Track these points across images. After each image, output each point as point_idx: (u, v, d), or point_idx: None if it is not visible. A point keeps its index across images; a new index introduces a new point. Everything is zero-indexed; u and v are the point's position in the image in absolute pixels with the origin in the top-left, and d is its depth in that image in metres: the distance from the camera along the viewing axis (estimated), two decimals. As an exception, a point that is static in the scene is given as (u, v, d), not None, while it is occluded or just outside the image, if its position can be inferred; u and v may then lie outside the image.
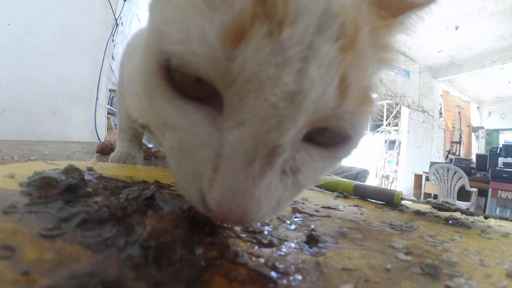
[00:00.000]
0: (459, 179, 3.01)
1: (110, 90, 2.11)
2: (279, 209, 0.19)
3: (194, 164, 0.18)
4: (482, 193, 3.36)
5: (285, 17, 0.15)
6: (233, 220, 0.17)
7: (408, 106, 4.93)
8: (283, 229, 0.28)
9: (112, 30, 1.91)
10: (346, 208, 0.43)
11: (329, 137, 0.19)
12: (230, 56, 0.15)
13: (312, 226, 0.28)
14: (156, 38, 0.17)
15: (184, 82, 0.17)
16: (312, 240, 0.25)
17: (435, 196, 3.58)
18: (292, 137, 0.17)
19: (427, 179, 3.76)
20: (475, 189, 3.10)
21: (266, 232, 0.26)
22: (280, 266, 0.19)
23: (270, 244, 0.23)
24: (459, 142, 5.47)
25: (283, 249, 0.22)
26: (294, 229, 0.28)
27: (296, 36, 0.15)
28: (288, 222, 0.31)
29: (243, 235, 0.24)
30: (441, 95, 5.49)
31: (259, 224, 0.28)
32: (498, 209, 3.24)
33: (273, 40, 0.15)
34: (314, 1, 0.15)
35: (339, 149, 0.20)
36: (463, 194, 3.11)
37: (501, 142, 4.45)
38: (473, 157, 4.59)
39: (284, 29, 0.15)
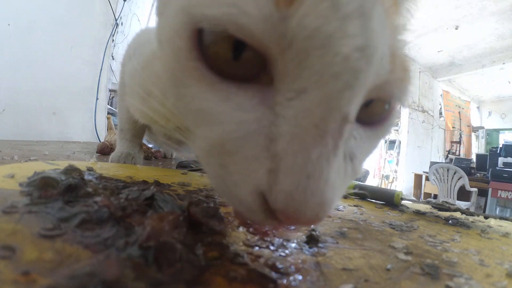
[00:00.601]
0: (459, 179, 3.01)
1: (110, 90, 2.10)
2: (339, 199, 0.16)
3: (245, 159, 0.15)
4: (482, 193, 3.36)
5: None
6: (308, 216, 0.14)
7: (408, 106, 4.93)
8: (283, 229, 0.28)
9: (112, 30, 1.91)
10: (346, 208, 0.43)
11: (375, 112, 0.18)
12: (285, 14, 0.13)
13: (312, 226, 0.28)
14: (185, 13, 0.15)
15: (220, 61, 0.15)
16: (312, 240, 0.25)
17: (435, 196, 3.58)
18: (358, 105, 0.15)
19: (427, 179, 3.76)
20: (475, 189, 3.10)
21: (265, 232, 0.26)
22: (280, 266, 0.19)
23: (270, 244, 0.23)
24: (459, 142, 5.47)
25: (283, 249, 0.22)
26: (294, 229, 0.28)
27: None
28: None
29: (243, 235, 0.24)
30: (441, 95, 5.49)
31: (259, 224, 0.28)
32: (498, 209, 3.24)
33: None
34: None
35: (382, 126, 0.19)
36: (463, 194, 3.11)
37: (501, 142, 4.46)
38: (473, 157, 4.59)
39: None
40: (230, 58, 0.14)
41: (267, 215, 0.15)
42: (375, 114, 0.18)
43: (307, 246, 0.24)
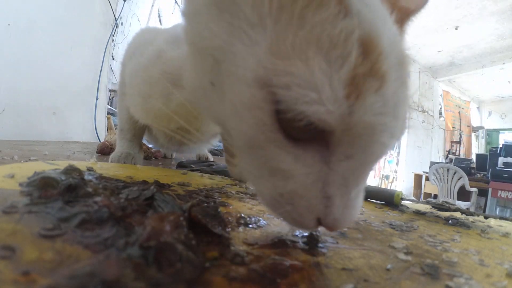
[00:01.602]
0: (459, 179, 3.01)
1: (110, 90, 2.11)
2: None
3: (309, 199, 0.20)
4: (482, 193, 3.36)
5: (385, 73, 0.18)
6: (341, 227, 0.22)
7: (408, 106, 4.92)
8: (283, 229, 0.28)
9: (112, 30, 1.91)
10: (346, 208, 0.43)
11: None
12: (350, 110, 0.17)
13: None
14: (262, 92, 0.18)
15: (291, 129, 0.19)
16: (312, 240, 0.25)
17: (435, 196, 3.58)
18: None
19: (427, 179, 3.76)
20: (475, 189, 3.11)
21: (266, 232, 0.26)
22: (280, 266, 0.19)
23: (270, 244, 0.23)
24: (459, 142, 5.47)
25: (283, 249, 0.22)
26: (294, 230, 0.28)
27: (392, 88, 0.18)
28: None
29: (244, 236, 0.24)
30: (441, 95, 5.48)
31: (259, 223, 0.28)
32: (498, 209, 3.24)
33: (379, 93, 0.18)
34: (394, 53, 0.19)
35: None
36: (463, 194, 3.11)
37: (501, 142, 4.46)
38: (473, 157, 4.59)
39: (386, 84, 0.18)
40: (301, 128, 0.18)
41: (316, 227, 0.22)
42: None
43: (307, 246, 0.24)
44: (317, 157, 0.20)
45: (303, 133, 0.19)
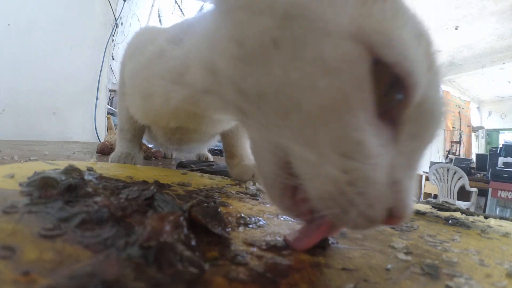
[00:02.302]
0: (459, 179, 3.01)
1: (110, 90, 2.11)
2: None
3: (380, 187, 0.18)
4: (482, 193, 3.36)
5: (437, 60, 0.20)
6: (408, 215, 0.20)
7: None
8: (283, 229, 0.28)
9: (112, 30, 1.91)
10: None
11: None
12: (429, 83, 0.19)
13: None
14: (366, 48, 0.18)
15: (376, 95, 0.18)
16: (319, 245, 0.24)
17: (435, 196, 3.58)
18: None
19: (427, 179, 3.76)
20: (475, 189, 3.10)
21: (266, 232, 0.26)
22: (280, 266, 0.19)
23: (270, 244, 0.23)
24: (459, 142, 5.47)
25: (283, 249, 0.22)
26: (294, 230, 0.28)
27: (441, 73, 0.21)
28: (289, 222, 0.31)
29: (244, 235, 0.24)
30: (441, 95, 5.47)
31: (259, 223, 0.28)
32: (498, 209, 3.24)
33: (438, 75, 0.20)
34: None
35: None
36: (463, 194, 3.11)
37: (501, 142, 4.45)
38: (473, 157, 4.58)
39: (439, 69, 0.20)
40: (382, 93, 0.18)
41: (383, 221, 0.19)
42: None
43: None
44: (389, 136, 0.19)
45: (383, 103, 0.18)
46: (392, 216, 0.19)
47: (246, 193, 0.44)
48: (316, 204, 0.19)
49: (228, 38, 0.23)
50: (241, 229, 0.26)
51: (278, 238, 0.24)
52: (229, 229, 0.25)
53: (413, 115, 0.19)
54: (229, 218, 0.28)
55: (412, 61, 0.17)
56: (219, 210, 0.26)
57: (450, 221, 0.41)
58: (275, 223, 0.30)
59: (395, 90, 0.18)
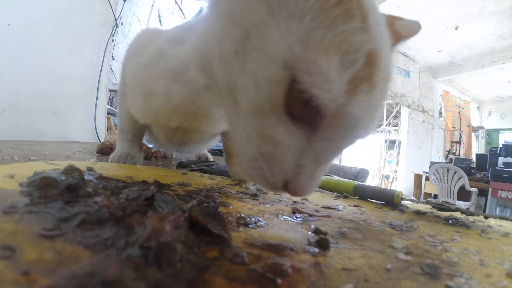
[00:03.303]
0: (459, 179, 3.01)
1: (110, 90, 2.11)
2: None
3: (283, 164, 0.24)
4: (482, 193, 3.36)
5: (376, 82, 0.22)
6: (303, 195, 0.27)
7: (408, 106, 4.93)
8: (283, 229, 0.28)
9: (112, 30, 1.91)
10: (346, 208, 0.43)
11: None
12: (345, 102, 0.22)
13: (322, 229, 0.28)
14: (285, 72, 0.22)
15: (291, 106, 0.23)
16: (321, 245, 0.24)
17: (435, 196, 3.58)
18: None
19: (427, 179, 3.76)
20: (475, 189, 3.10)
21: (266, 232, 0.26)
22: (280, 266, 0.19)
23: (270, 244, 0.23)
24: (459, 142, 5.47)
25: (283, 249, 0.22)
26: (294, 230, 0.28)
27: (378, 94, 0.23)
28: (289, 222, 0.31)
29: (244, 235, 0.24)
30: (441, 95, 5.48)
31: (259, 223, 0.28)
32: (498, 209, 3.24)
33: (369, 95, 0.22)
34: (385, 70, 0.23)
35: None
36: (463, 194, 3.11)
37: (501, 142, 4.45)
38: (473, 157, 4.59)
39: (374, 90, 0.23)
40: (301, 106, 0.23)
41: (282, 189, 0.26)
42: None
43: (307, 246, 0.24)
44: (303, 135, 0.24)
45: (300, 112, 0.23)
46: (288, 188, 0.25)
47: (246, 193, 0.44)
48: (245, 168, 0.27)
49: (214, 40, 0.28)
50: (241, 229, 0.26)
51: (278, 238, 0.24)
52: (229, 229, 0.25)
53: (330, 123, 0.23)
54: (229, 218, 0.28)
55: (323, 90, 0.21)
56: (219, 210, 0.26)
57: (450, 221, 0.41)
58: (275, 223, 0.30)
59: (311, 106, 0.22)
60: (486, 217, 0.43)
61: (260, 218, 0.30)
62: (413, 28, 0.32)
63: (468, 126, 5.79)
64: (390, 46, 0.26)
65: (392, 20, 0.30)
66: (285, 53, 0.21)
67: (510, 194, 3.06)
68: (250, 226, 0.27)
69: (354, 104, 0.22)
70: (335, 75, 0.21)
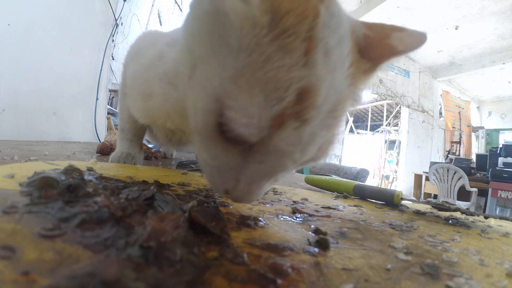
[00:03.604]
0: (459, 179, 3.01)
1: (110, 90, 2.11)
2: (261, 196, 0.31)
3: (224, 177, 0.27)
4: (482, 193, 3.36)
5: (310, 118, 0.22)
6: (242, 203, 0.31)
7: (408, 106, 4.93)
8: (283, 229, 0.28)
9: (112, 30, 1.91)
10: (346, 208, 0.43)
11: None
12: (270, 135, 0.22)
13: (322, 229, 0.28)
14: (216, 106, 0.23)
15: (225, 134, 0.24)
16: (321, 245, 0.24)
17: (435, 196, 3.58)
18: None
19: (427, 179, 3.76)
20: (475, 189, 3.10)
21: (266, 232, 0.26)
22: (280, 266, 0.19)
23: (270, 244, 0.23)
24: (459, 142, 5.47)
25: (283, 249, 0.22)
26: (294, 230, 0.28)
27: (310, 130, 0.23)
28: (289, 222, 0.31)
29: (244, 236, 0.24)
30: (441, 95, 5.49)
31: (259, 223, 0.28)
32: (498, 209, 3.24)
33: (297, 131, 0.22)
34: (328, 102, 0.23)
35: (306, 164, 0.29)
36: (463, 194, 3.12)
37: (501, 142, 4.45)
38: (473, 157, 4.59)
39: (306, 126, 0.22)
40: (232, 136, 0.23)
41: (225, 196, 0.28)
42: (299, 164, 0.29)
43: (307, 247, 0.24)
44: (239, 154, 0.26)
45: (234, 137, 0.24)
46: (228, 195, 0.28)
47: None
48: (202, 167, 0.30)
49: (178, 57, 0.32)
50: (241, 229, 0.26)
51: (278, 238, 0.24)
52: (229, 229, 0.25)
53: (259, 150, 0.24)
54: (229, 218, 0.28)
55: (241, 125, 0.22)
56: (219, 210, 0.26)
57: (450, 221, 0.41)
58: (275, 223, 0.30)
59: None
60: (486, 217, 0.43)
61: (260, 218, 0.30)
62: (413, 40, 0.28)
63: (468, 126, 5.79)
64: (344, 79, 0.24)
65: (388, 32, 0.27)
66: (217, 88, 0.23)
67: (510, 194, 3.06)
68: (250, 226, 0.27)
69: (278, 138, 0.22)
70: (256, 112, 0.21)
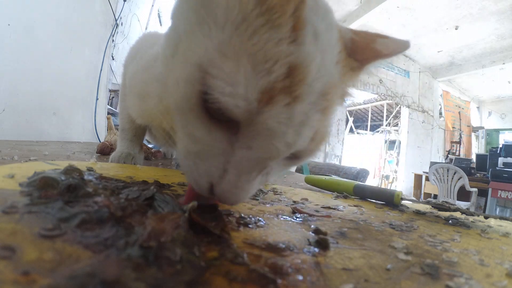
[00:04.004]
0: (459, 179, 3.01)
1: (110, 90, 2.11)
2: (251, 194, 0.28)
3: (208, 165, 0.24)
4: (482, 193, 3.36)
5: (300, 94, 0.21)
6: (228, 203, 0.26)
7: (408, 106, 4.94)
8: (283, 229, 0.28)
9: (112, 30, 1.91)
10: (346, 208, 0.43)
11: (292, 157, 0.27)
12: (259, 111, 0.21)
13: (322, 229, 0.28)
14: (199, 75, 0.22)
15: (210, 109, 0.22)
16: (321, 245, 0.24)
17: (435, 196, 3.58)
18: None
19: (427, 179, 3.76)
20: (475, 189, 3.10)
21: (266, 232, 0.26)
22: (280, 266, 0.19)
23: (270, 244, 0.23)
24: (459, 142, 5.47)
25: (283, 249, 0.22)
26: (294, 230, 0.28)
27: (302, 109, 0.22)
28: (289, 222, 0.31)
29: (244, 236, 0.24)
30: (441, 95, 5.49)
31: (259, 223, 0.28)
32: (498, 209, 3.24)
33: (288, 108, 0.21)
34: (319, 84, 0.22)
35: (295, 161, 0.29)
36: (463, 194, 3.11)
37: (501, 142, 4.45)
38: (473, 157, 4.58)
39: (297, 103, 0.21)
40: (216, 111, 0.22)
41: (209, 193, 0.25)
42: (293, 157, 0.27)
43: (307, 247, 0.24)
44: (226, 137, 0.24)
45: (219, 115, 0.23)
46: (213, 192, 0.25)
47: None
48: (181, 166, 0.27)
49: (165, 43, 0.29)
50: (241, 229, 0.26)
51: (278, 238, 0.24)
52: (229, 229, 0.25)
53: (247, 132, 0.22)
54: (229, 218, 0.28)
55: (225, 95, 0.20)
56: (219, 210, 0.26)
57: (450, 221, 0.41)
58: (275, 223, 0.30)
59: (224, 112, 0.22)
60: (486, 217, 0.43)
61: (260, 218, 0.30)
62: (397, 46, 0.29)
63: (468, 126, 5.79)
64: (333, 61, 0.24)
65: (374, 38, 0.29)
66: (201, 57, 0.22)
67: (510, 194, 3.06)
68: (250, 226, 0.27)
69: (267, 114, 0.21)
70: (243, 81, 0.20)
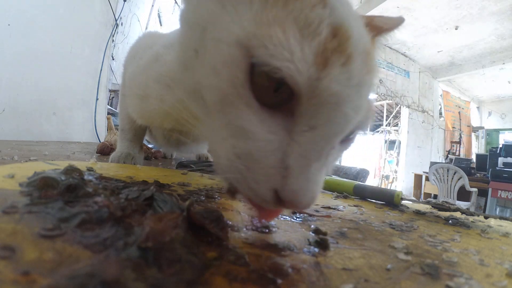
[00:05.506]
0: (459, 179, 3.01)
1: (110, 91, 2.11)
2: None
3: (267, 166, 0.21)
4: (482, 193, 3.36)
5: (351, 53, 0.20)
6: (303, 204, 0.21)
7: (408, 106, 4.93)
8: (283, 229, 0.28)
9: (112, 30, 1.91)
10: (346, 208, 0.43)
11: (347, 136, 0.25)
12: (319, 76, 0.19)
13: (322, 229, 0.28)
14: (241, 52, 0.20)
15: (262, 91, 0.20)
16: (321, 245, 0.24)
17: (435, 196, 3.58)
18: None
19: (427, 179, 3.76)
20: (475, 189, 3.10)
21: (266, 232, 0.26)
22: (280, 266, 0.19)
23: (270, 244, 0.23)
24: (459, 142, 5.47)
25: (283, 249, 0.22)
26: (294, 230, 0.28)
27: (357, 67, 0.20)
28: (289, 222, 0.31)
29: (244, 235, 0.24)
30: (441, 95, 5.48)
31: (259, 224, 0.28)
32: (498, 209, 3.24)
33: (346, 68, 0.20)
34: (361, 44, 0.21)
35: (348, 143, 0.26)
36: (463, 194, 3.11)
37: (501, 142, 4.45)
38: (473, 157, 4.58)
39: (351, 62, 0.20)
40: (271, 90, 0.20)
41: (275, 204, 0.21)
42: (346, 139, 0.25)
43: (307, 247, 0.24)
44: (281, 125, 0.21)
45: (272, 97, 0.21)
46: (281, 200, 0.21)
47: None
48: (224, 175, 0.23)
49: (179, 46, 0.28)
50: (241, 229, 0.26)
51: (278, 238, 0.24)
52: (229, 229, 0.25)
53: (308, 107, 0.20)
54: (229, 218, 0.28)
55: (284, 60, 0.19)
56: (218, 210, 0.26)
57: (450, 221, 0.41)
58: (275, 223, 0.29)
59: (282, 87, 0.20)
60: (486, 217, 0.43)
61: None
62: (394, 21, 0.31)
63: (468, 126, 5.79)
64: (362, 25, 0.24)
65: (370, 18, 0.29)
66: (238, 34, 0.20)
67: (510, 194, 3.06)
68: (250, 226, 0.27)
69: (328, 77, 0.19)
70: (296, 45, 0.19)
